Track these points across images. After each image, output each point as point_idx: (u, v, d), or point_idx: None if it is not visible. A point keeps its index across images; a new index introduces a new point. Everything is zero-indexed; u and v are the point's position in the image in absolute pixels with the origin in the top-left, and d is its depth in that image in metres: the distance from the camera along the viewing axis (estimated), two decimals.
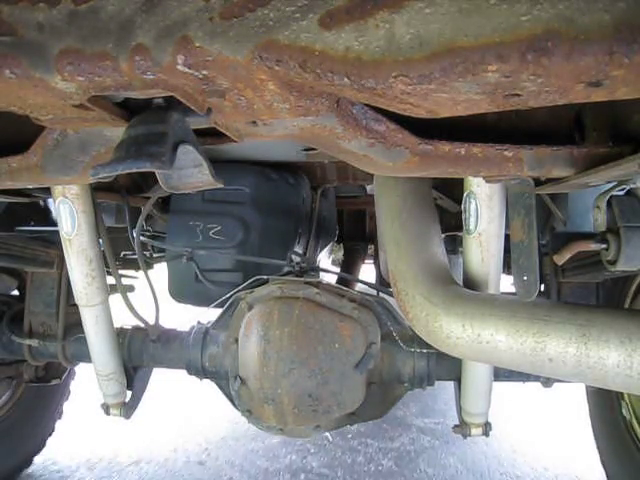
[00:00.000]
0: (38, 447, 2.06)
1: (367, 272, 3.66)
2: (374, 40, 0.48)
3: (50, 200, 1.83)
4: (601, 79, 0.47)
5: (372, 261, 3.49)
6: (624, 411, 1.57)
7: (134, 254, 1.97)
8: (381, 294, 1.57)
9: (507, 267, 1.32)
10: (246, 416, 1.41)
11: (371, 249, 3.28)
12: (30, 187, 1.14)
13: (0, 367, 1.76)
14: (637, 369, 0.70)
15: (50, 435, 2.10)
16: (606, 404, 1.68)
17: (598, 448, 1.79)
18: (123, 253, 2.02)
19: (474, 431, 1.33)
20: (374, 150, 0.74)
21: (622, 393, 1.57)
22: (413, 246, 1.04)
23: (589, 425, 1.84)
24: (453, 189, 1.45)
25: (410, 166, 0.76)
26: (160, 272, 1.86)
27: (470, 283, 1.06)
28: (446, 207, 1.58)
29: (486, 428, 1.33)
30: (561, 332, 0.77)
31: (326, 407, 1.28)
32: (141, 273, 1.52)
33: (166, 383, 2.40)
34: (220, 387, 1.50)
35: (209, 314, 1.53)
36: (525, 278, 0.86)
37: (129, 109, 0.66)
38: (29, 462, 2.04)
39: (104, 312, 1.38)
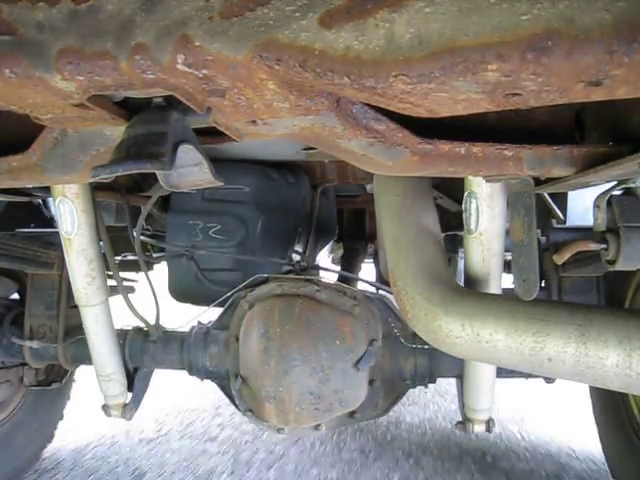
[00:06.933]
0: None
1: (367, 271, 3.66)
2: (374, 39, 0.48)
3: (48, 203, 1.84)
4: (601, 78, 0.47)
5: (372, 260, 3.50)
6: (627, 405, 1.57)
7: (134, 254, 1.97)
8: (381, 292, 1.57)
9: (507, 266, 1.32)
10: (248, 416, 1.41)
11: (371, 248, 3.28)
12: (30, 186, 1.14)
13: (0, 371, 1.76)
14: (636, 369, 0.70)
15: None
16: (609, 398, 1.69)
17: (601, 441, 1.80)
18: (122, 255, 2.02)
19: (477, 427, 1.33)
20: (374, 149, 0.74)
21: None
22: (412, 245, 1.04)
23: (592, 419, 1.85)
24: (453, 188, 1.45)
25: (410, 165, 0.76)
26: (160, 272, 1.86)
27: (471, 283, 1.06)
28: (446, 207, 1.58)
29: (489, 424, 1.34)
30: (560, 332, 0.77)
31: (328, 405, 1.28)
32: (141, 275, 1.51)
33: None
34: (221, 387, 1.50)
35: (210, 314, 1.53)
36: (525, 277, 0.86)
37: (129, 108, 0.66)
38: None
39: (104, 312, 1.38)
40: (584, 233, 1.39)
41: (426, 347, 1.36)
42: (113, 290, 1.42)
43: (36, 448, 2.02)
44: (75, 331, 1.54)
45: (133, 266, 2.00)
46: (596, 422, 1.83)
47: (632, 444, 1.54)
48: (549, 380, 1.41)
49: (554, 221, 1.45)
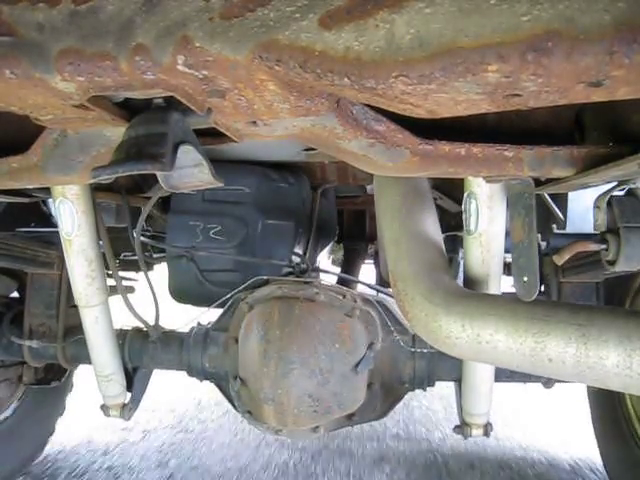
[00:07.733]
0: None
1: (367, 272, 3.66)
2: (374, 40, 0.48)
3: (48, 202, 1.84)
4: (601, 79, 0.47)
5: (372, 261, 3.49)
6: (625, 409, 1.57)
7: (134, 254, 1.97)
8: (381, 294, 1.57)
9: (507, 268, 1.32)
10: (246, 417, 1.41)
11: (371, 249, 3.28)
12: (30, 187, 1.14)
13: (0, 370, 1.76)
14: (636, 369, 0.70)
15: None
16: (607, 402, 1.68)
17: (599, 447, 1.79)
18: (122, 254, 2.02)
19: (475, 432, 1.33)
20: (374, 150, 0.74)
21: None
22: (413, 246, 1.04)
23: (590, 424, 1.84)
24: (453, 189, 1.45)
25: (410, 166, 0.76)
26: (160, 273, 1.86)
27: (471, 283, 1.06)
28: (446, 207, 1.58)
29: (487, 429, 1.33)
30: (561, 332, 0.77)
31: (326, 408, 1.28)
32: (140, 275, 1.51)
33: None
34: (220, 388, 1.50)
35: (210, 315, 1.53)
36: (525, 278, 0.86)
37: (129, 109, 0.66)
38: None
39: (104, 313, 1.38)
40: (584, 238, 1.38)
41: (425, 350, 1.36)
42: (113, 290, 1.42)
43: (32, 449, 2.01)
44: (74, 331, 1.54)
45: (132, 266, 2.00)
46: (595, 431, 1.82)
47: (632, 453, 1.54)
48: (547, 384, 1.40)
49: (554, 226, 1.45)
